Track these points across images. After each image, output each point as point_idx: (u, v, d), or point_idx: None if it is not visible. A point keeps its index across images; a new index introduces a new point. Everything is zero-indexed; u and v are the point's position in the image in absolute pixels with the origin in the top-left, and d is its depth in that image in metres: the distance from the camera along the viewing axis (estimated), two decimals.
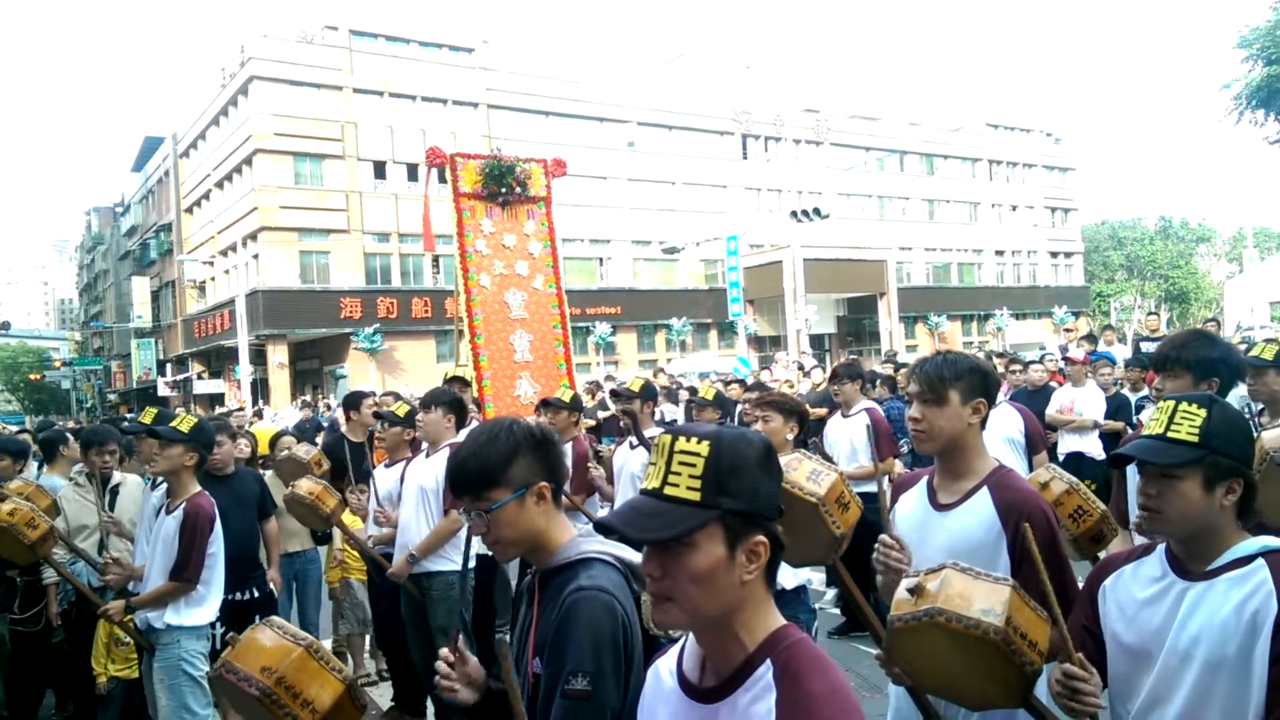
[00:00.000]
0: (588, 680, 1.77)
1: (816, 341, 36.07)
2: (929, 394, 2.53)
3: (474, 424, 5.51)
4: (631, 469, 5.46)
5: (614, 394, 6.50)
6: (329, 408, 19.95)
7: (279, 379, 33.41)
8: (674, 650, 1.59)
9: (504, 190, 9.82)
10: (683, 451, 1.39)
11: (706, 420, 6.32)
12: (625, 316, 38.54)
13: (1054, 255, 54.69)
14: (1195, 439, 1.90)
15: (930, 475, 2.66)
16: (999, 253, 51.73)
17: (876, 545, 2.46)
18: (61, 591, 5.31)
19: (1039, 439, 5.75)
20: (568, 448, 5.57)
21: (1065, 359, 10.00)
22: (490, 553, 2.08)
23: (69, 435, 6.27)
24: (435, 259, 34.78)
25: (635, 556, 1.90)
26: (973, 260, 50.84)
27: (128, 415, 24.79)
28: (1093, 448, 8.38)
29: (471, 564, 4.98)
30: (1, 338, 62.34)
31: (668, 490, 1.38)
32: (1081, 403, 8.51)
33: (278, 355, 33.62)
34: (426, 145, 12.01)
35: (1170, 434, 1.92)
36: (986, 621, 1.71)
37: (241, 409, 22.36)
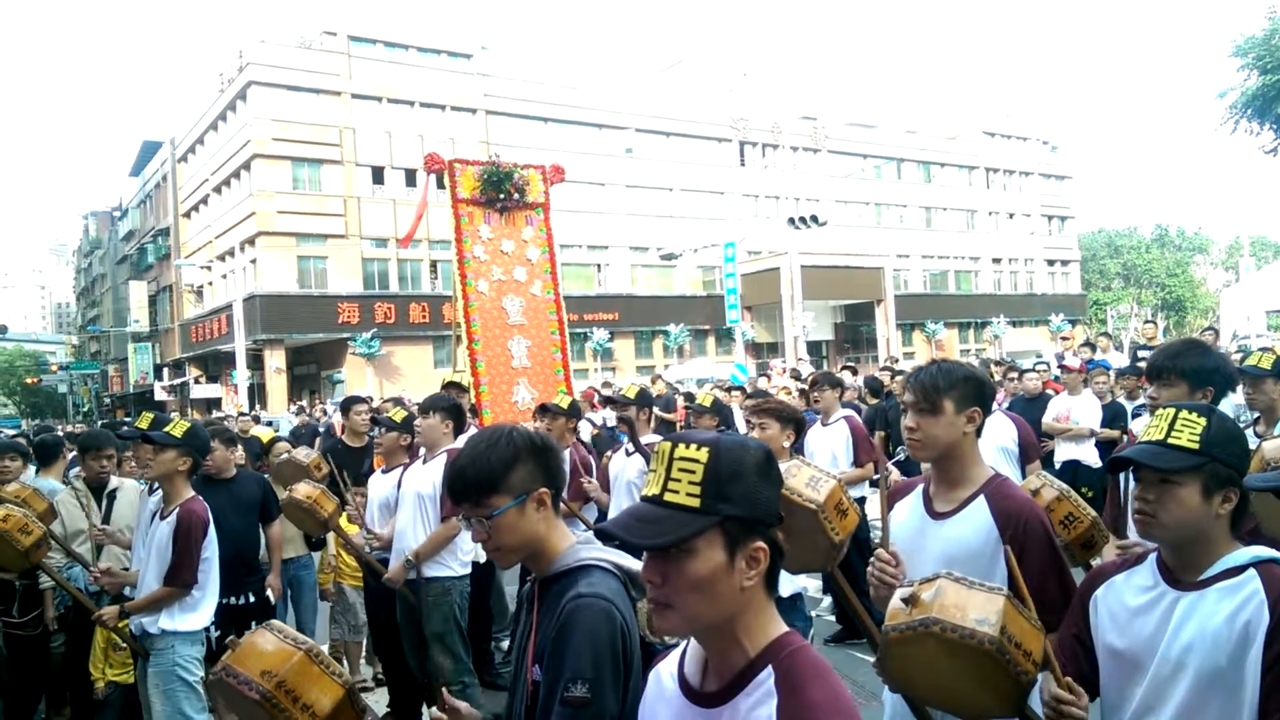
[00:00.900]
0: (586, 687, 1.78)
1: (814, 348, 36.11)
2: (924, 403, 2.54)
3: (472, 430, 5.53)
4: (628, 476, 5.46)
5: (610, 400, 6.51)
6: (325, 413, 19.92)
7: (276, 384, 33.38)
8: (675, 654, 1.59)
9: (502, 196, 9.85)
10: (682, 458, 1.40)
11: (704, 427, 6.33)
12: (623, 323, 38.56)
13: (1051, 263, 54.80)
14: (1196, 446, 1.91)
15: (926, 483, 2.66)
16: (996, 260, 51.83)
17: (872, 560, 2.47)
18: (58, 595, 5.30)
19: (1032, 448, 5.77)
20: (565, 454, 5.57)
21: (1061, 367, 10.02)
22: (487, 560, 2.10)
23: (66, 440, 6.27)
24: (433, 264, 34.81)
25: (634, 564, 1.91)
26: (970, 268, 50.93)
27: (125, 420, 24.76)
28: (1089, 456, 8.39)
29: (468, 570, 4.98)
30: None
31: (667, 497, 1.39)
32: (1078, 411, 8.54)
33: (275, 360, 33.60)
34: (425, 151, 12.06)
35: (1171, 440, 1.93)
36: (981, 631, 1.71)
37: (243, 414, 22.34)
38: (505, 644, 6.46)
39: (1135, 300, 64.84)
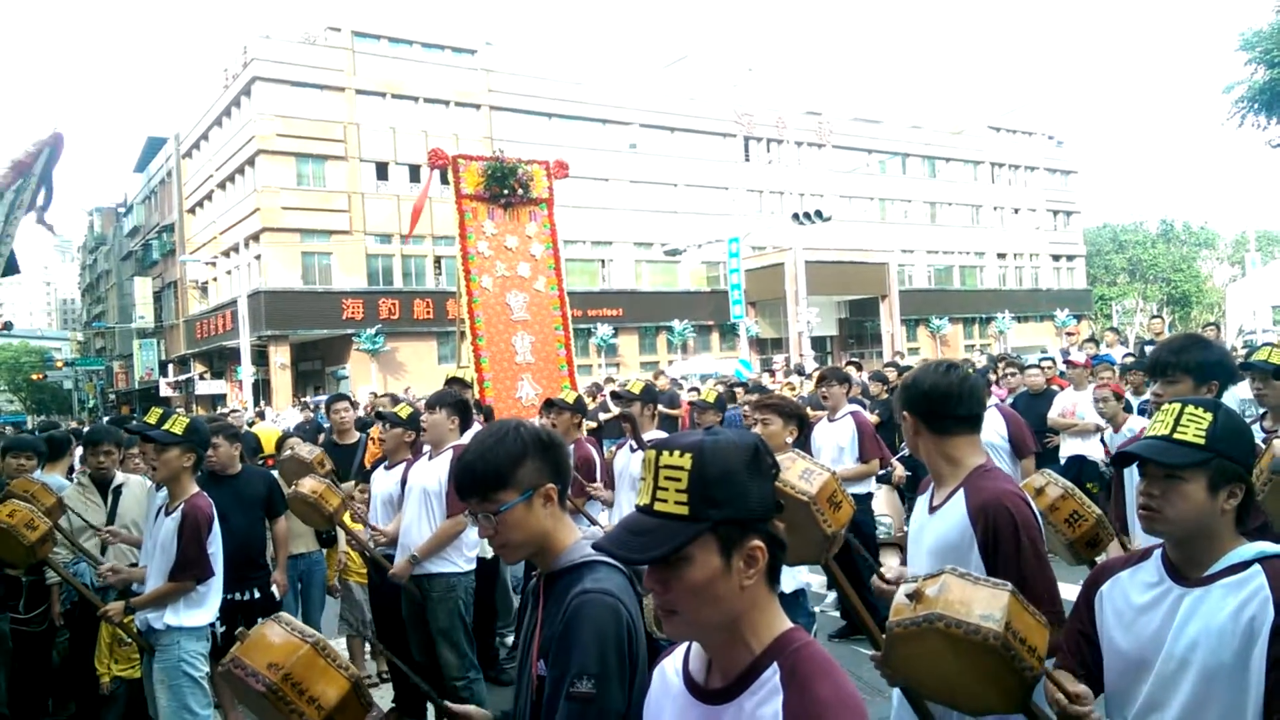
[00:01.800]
0: (592, 683, 1.78)
1: (818, 344, 36.08)
2: None
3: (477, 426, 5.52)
4: (632, 472, 5.47)
5: (614, 395, 6.51)
6: (313, 410, 19.91)
7: (281, 380, 33.43)
8: (680, 650, 1.59)
9: (506, 192, 9.84)
10: (667, 466, 1.38)
11: (708, 423, 6.33)
12: (627, 318, 38.55)
13: (1056, 258, 54.67)
14: (1202, 441, 1.90)
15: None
16: (1001, 256, 51.72)
17: (872, 581, 2.50)
18: (65, 591, 5.32)
19: (1024, 444, 5.76)
20: (570, 449, 5.58)
21: (1067, 362, 10.00)
22: (493, 555, 2.10)
23: (73, 437, 6.30)
24: (438, 260, 34.83)
25: None
26: (975, 263, 50.83)
27: (130, 415, 24.83)
28: (1094, 451, 8.38)
29: (472, 566, 4.98)
30: (4, 338, 62.43)
31: (657, 506, 1.38)
32: (1083, 406, 8.52)
33: (279, 356, 33.65)
34: (429, 147, 12.08)
35: (1177, 435, 1.93)
36: (986, 627, 1.71)
37: (243, 410, 22.37)
38: (510, 639, 6.47)
39: (1141, 295, 64.67)
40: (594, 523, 5.42)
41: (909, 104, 50.15)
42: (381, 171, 35.06)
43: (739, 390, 12.09)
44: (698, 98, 41.89)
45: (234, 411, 18.54)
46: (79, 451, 6.74)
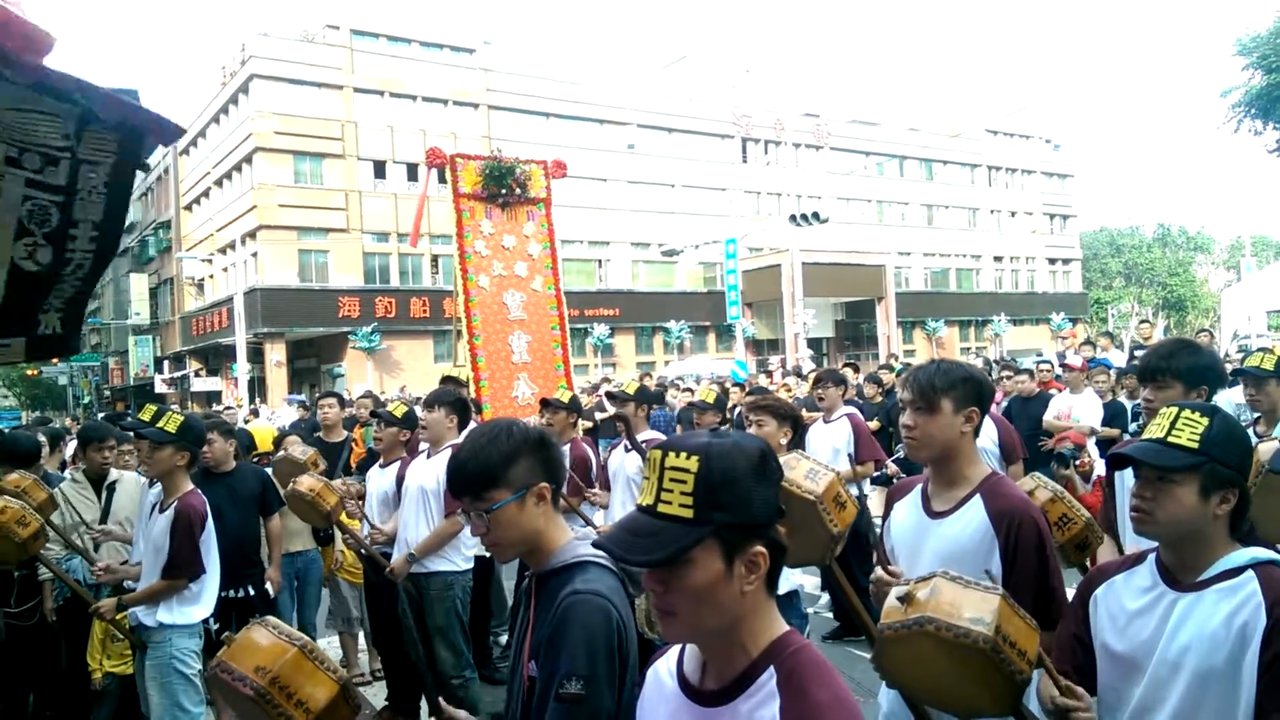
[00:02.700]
0: (582, 684, 1.78)
1: (814, 345, 36.09)
2: (921, 402, 2.55)
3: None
4: (627, 472, 5.46)
5: (609, 395, 6.51)
6: (306, 406, 19.87)
7: (276, 377, 33.38)
8: (673, 651, 1.58)
9: (504, 191, 9.83)
10: (673, 467, 1.37)
11: (707, 424, 6.32)
12: (624, 318, 38.54)
13: (1052, 262, 54.76)
14: (1196, 445, 1.91)
15: (925, 482, 2.67)
16: (997, 259, 51.79)
17: (872, 580, 2.48)
18: (57, 587, 5.30)
19: (1013, 449, 5.78)
20: (566, 449, 5.58)
21: (1063, 366, 10.01)
22: (488, 554, 2.09)
23: (66, 433, 6.27)
24: (434, 259, 34.81)
25: None
26: (971, 266, 50.90)
27: (125, 412, 24.79)
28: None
29: (470, 565, 4.98)
30: None
31: (661, 508, 1.36)
32: (1079, 409, 8.53)
33: (275, 354, 33.59)
34: (426, 145, 12.05)
35: (1171, 439, 1.93)
36: (976, 630, 1.71)
37: (238, 407, 22.33)
38: (504, 638, 6.47)
39: (1136, 299, 64.78)
40: (589, 523, 5.41)
41: (906, 106, 50.21)
42: (379, 170, 35.02)
43: (736, 391, 12.09)
44: (696, 99, 41.90)
45: (228, 409, 18.52)
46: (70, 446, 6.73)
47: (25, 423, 28.44)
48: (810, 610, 6.28)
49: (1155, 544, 2.03)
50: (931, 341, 45.44)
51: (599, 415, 11.96)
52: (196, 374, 40.67)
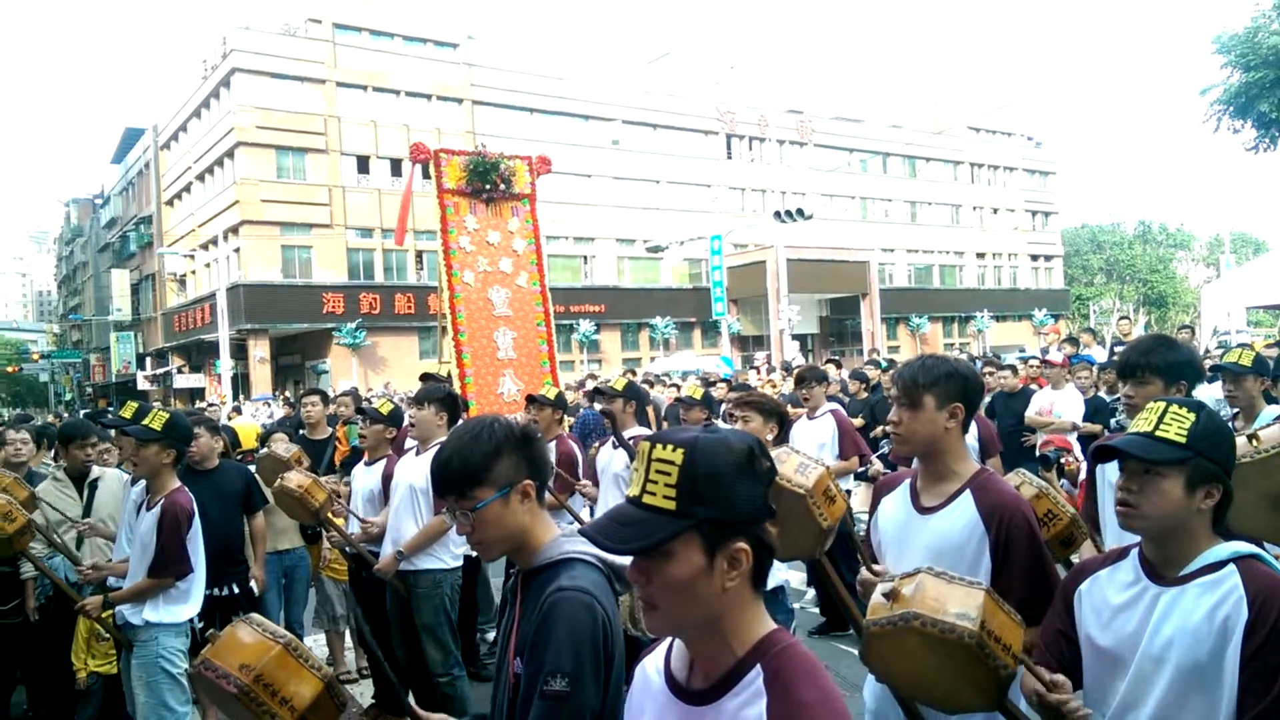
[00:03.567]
0: (566, 681, 1.78)
1: (799, 341, 36.21)
2: (905, 398, 2.56)
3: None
4: (614, 469, 5.47)
5: (596, 392, 6.51)
6: (290, 404, 19.80)
7: (260, 374, 33.19)
8: (661, 648, 1.58)
9: (488, 187, 9.80)
10: (659, 459, 1.37)
11: (694, 420, 6.33)
12: (609, 315, 38.53)
13: (1034, 258, 55.09)
14: (1183, 439, 1.92)
15: (913, 478, 2.68)
16: (980, 255, 52.08)
17: (859, 581, 2.49)
18: (40, 585, 5.26)
19: (991, 443, 5.83)
20: (551, 446, 5.57)
21: (1044, 362, 10.07)
22: (474, 552, 2.09)
23: (49, 430, 6.22)
24: (419, 255, 34.68)
25: (618, 558, 1.91)
26: (954, 262, 51.16)
27: (107, 409, 24.56)
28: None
29: (459, 563, 4.97)
30: None
31: (645, 499, 1.37)
32: (1060, 405, 8.58)
33: (259, 350, 33.39)
34: (410, 140, 12.00)
35: (1159, 433, 1.95)
36: (961, 625, 1.72)
37: (220, 404, 22.19)
38: (491, 635, 6.46)
39: (1118, 296, 65.21)
40: (577, 519, 5.41)
41: (890, 104, 50.49)
42: (362, 165, 34.85)
43: (722, 386, 12.11)
44: (680, 95, 41.89)
45: (211, 406, 18.40)
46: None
47: (6, 419, 28.15)
48: (796, 605, 6.29)
49: (1138, 539, 2.05)
50: (915, 337, 45.64)
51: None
52: (179, 371, 40.36)
